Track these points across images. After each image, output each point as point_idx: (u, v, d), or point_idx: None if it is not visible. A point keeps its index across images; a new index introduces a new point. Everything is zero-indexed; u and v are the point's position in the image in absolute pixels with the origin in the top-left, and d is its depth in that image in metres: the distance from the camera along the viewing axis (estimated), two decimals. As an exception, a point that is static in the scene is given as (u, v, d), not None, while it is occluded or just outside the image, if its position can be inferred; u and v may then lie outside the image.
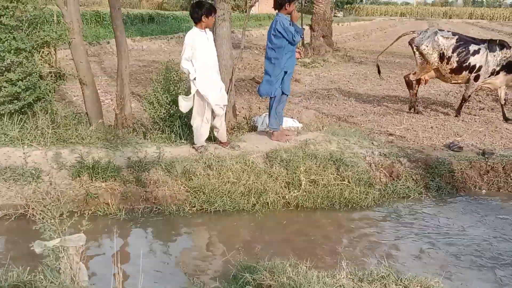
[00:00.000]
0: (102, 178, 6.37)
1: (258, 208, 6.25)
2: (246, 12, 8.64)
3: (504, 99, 10.54)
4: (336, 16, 73.50)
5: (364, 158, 7.23)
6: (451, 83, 10.98)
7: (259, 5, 69.06)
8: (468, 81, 10.48)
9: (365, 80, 15.80)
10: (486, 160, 7.27)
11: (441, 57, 10.39)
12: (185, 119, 7.43)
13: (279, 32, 7.49)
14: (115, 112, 8.04)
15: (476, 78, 10.26)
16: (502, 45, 10.21)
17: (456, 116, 10.74)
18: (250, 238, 5.67)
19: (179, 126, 7.51)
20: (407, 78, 11.13)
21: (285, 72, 7.70)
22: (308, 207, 6.35)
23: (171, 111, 7.50)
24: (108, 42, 20.96)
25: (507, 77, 10.26)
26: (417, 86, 11.20)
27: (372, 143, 7.98)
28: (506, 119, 10.40)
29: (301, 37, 7.61)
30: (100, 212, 6.12)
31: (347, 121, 9.99)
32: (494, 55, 10.11)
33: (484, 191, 7.01)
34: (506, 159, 7.25)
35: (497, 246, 5.43)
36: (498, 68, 10.12)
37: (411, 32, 11.89)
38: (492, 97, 13.25)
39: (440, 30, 10.82)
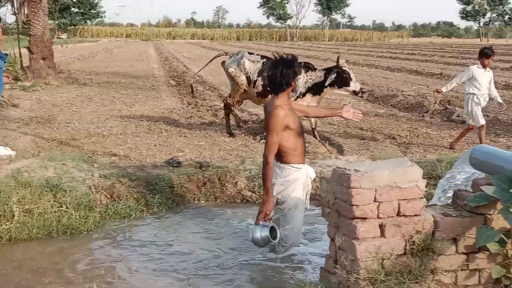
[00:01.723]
0: None
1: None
2: None
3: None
4: (60, 38, 71.42)
5: (83, 181, 7.01)
6: (261, 105, 10.76)
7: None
8: None
9: (89, 102, 15.52)
10: (203, 172, 7.59)
11: (248, 80, 10.37)
12: None
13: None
14: None
15: None
16: (307, 67, 10.30)
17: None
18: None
19: None
20: (225, 101, 11.03)
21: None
22: (23, 239, 5.92)
23: None
24: None
25: (314, 99, 10.31)
26: (236, 105, 11.17)
27: (93, 165, 7.80)
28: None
29: (4, 62, 7.12)
30: None
31: (69, 145, 9.67)
32: (299, 78, 10.03)
33: (203, 202, 7.29)
34: (221, 170, 7.63)
35: (208, 255, 5.63)
36: (304, 91, 10.11)
37: (224, 54, 11.95)
38: (212, 112, 14.01)
39: (250, 53, 10.85)
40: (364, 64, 32.85)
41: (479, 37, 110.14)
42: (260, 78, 10.16)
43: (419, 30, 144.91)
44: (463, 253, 3.99)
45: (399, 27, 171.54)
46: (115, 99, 16.36)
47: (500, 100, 9.98)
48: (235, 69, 10.45)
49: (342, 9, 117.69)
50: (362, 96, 10.47)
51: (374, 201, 3.80)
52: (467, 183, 4.68)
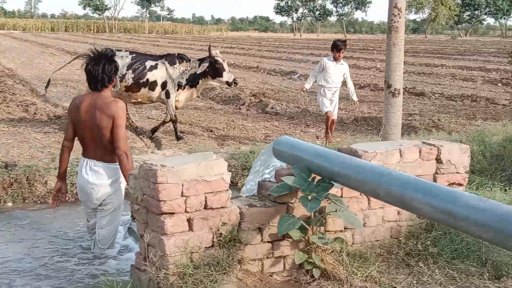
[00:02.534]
0: None
1: None
2: None
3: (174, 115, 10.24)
4: None
5: None
6: (131, 102, 10.19)
7: None
8: (150, 100, 10.06)
9: None
10: (9, 172, 7.11)
11: None
12: None
13: None
14: None
15: (167, 95, 9.82)
16: (182, 58, 9.96)
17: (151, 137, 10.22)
18: None
19: None
20: None
21: None
22: None
23: None
24: None
25: (191, 91, 10.01)
26: None
27: None
28: (178, 138, 10.23)
29: None
30: None
31: None
32: (175, 68, 9.77)
33: (9, 204, 6.83)
34: (29, 170, 7.21)
35: (15, 260, 5.30)
36: (184, 82, 9.81)
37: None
38: (22, 107, 13.20)
39: (118, 50, 10.02)
40: (184, 57, 33.00)
41: (293, 32, 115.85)
42: (129, 71, 9.74)
43: (237, 24, 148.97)
44: (268, 242, 4.15)
45: (218, 21, 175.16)
46: None
47: (355, 98, 10.15)
48: None
49: (161, 2, 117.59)
50: (235, 87, 10.27)
51: (181, 195, 3.81)
52: (272, 173, 4.88)
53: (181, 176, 3.79)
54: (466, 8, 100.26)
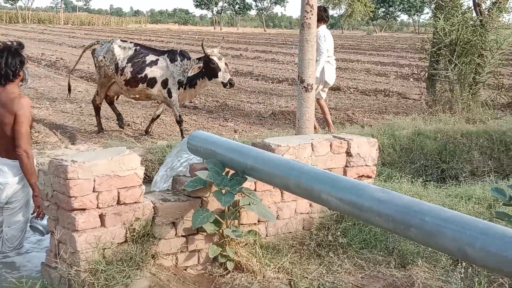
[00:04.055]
0: None
1: None
2: None
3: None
4: None
5: None
6: (130, 97, 10.01)
7: None
8: (148, 97, 9.83)
9: None
10: None
11: (116, 68, 9.35)
12: None
13: None
14: None
15: (170, 94, 9.39)
16: (183, 55, 9.51)
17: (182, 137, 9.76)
18: None
19: None
20: (94, 103, 10.07)
21: None
22: None
23: None
24: None
25: (188, 92, 9.60)
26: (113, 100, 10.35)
27: None
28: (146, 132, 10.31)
29: None
30: None
31: None
32: (176, 65, 9.32)
33: None
34: None
35: None
36: (185, 80, 9.34)
37: (96, 43, 10.43)
38: None
39: (123, 40, 9.76)
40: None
41: (213, 25, 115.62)
42: (129, 64, 9.39)
43: (156, 17, 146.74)
44: (183, 236, 4.17)
45: (137, 13, 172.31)
46: None
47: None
48: (104, 58, 9.57)
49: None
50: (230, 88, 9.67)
51: (93, 191, 3.76)
52: (186, 168, 4.89)
53: (93, 171, 3.74)
54: (381, 4, 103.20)
